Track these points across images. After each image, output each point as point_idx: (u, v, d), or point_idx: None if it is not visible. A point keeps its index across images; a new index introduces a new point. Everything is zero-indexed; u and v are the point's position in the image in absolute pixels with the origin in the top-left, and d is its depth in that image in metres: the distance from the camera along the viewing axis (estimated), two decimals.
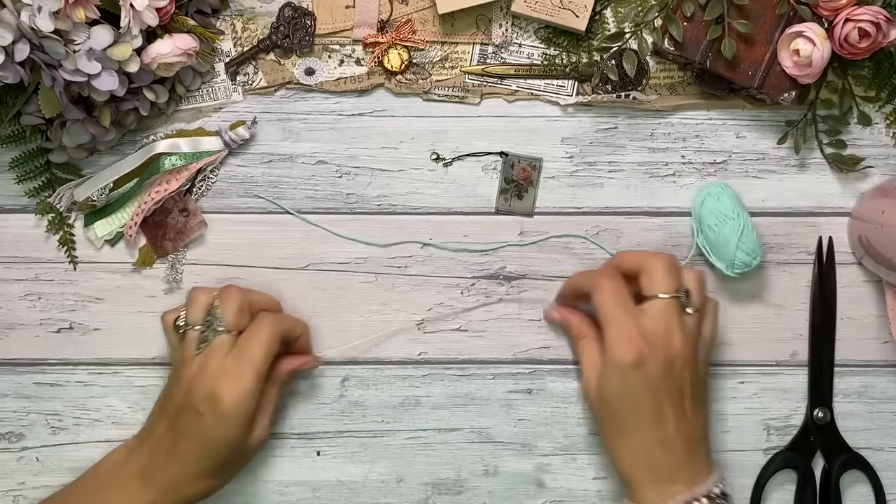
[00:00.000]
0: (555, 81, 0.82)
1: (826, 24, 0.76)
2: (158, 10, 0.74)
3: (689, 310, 0.76)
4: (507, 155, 0.83)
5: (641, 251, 0.82)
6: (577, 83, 0.82)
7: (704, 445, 0.77)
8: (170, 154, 0.80)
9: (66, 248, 0.83)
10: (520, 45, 0.82)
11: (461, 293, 0.84)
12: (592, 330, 0.80)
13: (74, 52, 0.72)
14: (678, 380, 0.74)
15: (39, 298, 0.84)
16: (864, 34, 0.75)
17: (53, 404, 0.84)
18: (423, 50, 0.82)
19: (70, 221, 0.83)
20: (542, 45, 0.82)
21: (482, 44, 0.82)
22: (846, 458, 0.84)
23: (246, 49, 0.81)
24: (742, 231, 0.79)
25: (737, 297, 0.84)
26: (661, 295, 0.75)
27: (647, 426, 0.74)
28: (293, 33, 0.81)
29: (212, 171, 0.82)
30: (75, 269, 0.83)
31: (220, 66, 0.82)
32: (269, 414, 0.79)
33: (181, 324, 0.79)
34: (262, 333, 0.76)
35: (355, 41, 0.82)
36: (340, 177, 0.83)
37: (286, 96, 0.83)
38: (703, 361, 0.77)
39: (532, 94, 0.82)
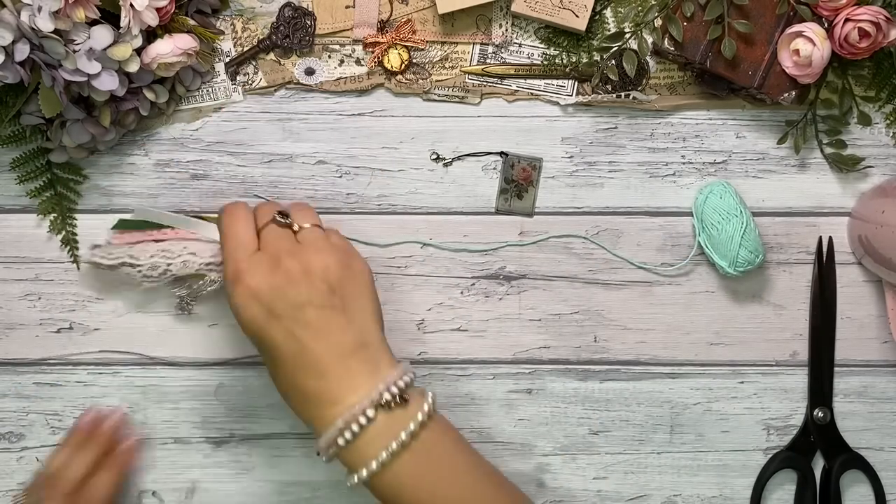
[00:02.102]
0: (555, 81, 0.82)
1: (826, 24, 0.76)
2: (158, 10, 0.74)
3: (295, 225, 0.73)
4: (507, 155, 0.83)
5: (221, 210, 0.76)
6: (577, 83, 0.82)
7: (373, 349, 0.70)
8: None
9: (68, 247, 0.83)
10: (520, 45, 0.82)
11: (461, 293, 0.84)
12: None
13: (74, 52, 0.72)
14: (300, 296, 0.69)
15: (39, 298, 0.84)
16: (864, 34, 0.75)
17: (53, 404, 0.84)
18: (423, 50, 0.82)
19: (74, 221, 0.83)
20: (542, 45, 0.82)
21: (482, 44, 0.82)
22: (846, 458, 0.84)
23: (246, 49, 0.81)
24: (745, 229, 0.80)
25: (737, 297, 0.84)
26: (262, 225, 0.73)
27: (291, 358, 0.69)
28: (293, 33, 0.81)
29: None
30: (78, 268, 0.83)
31: (220, 66, 0.82)
32: None
33: None
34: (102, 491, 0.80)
35: (355, 41, 0.82)
36: (340, 177, 0.83)
37: (286, 96, 0.83)
38: (343, 266, 0.72)
39: (532, 94, 0.82)
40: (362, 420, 0.67)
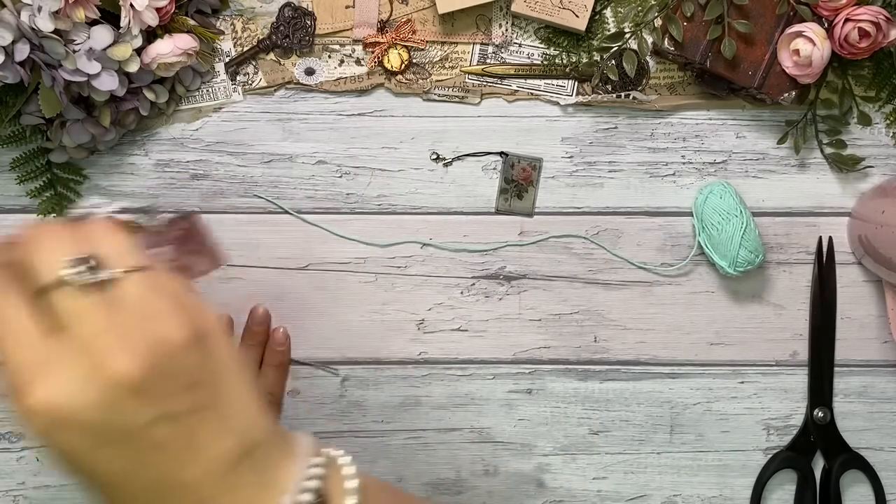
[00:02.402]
0: (555, 81, 0.82)
1: (826, 24, 0.76)
2: (158, 10, 0.74)
3: (102, 274, 0.46)
4: (507, 155, 0.83)
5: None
6: (577, 83, 0.82)
7: (251, 455, 0.48)
8: None
9: None
10: (520, 45, 0.82)
11: (461, 293, 0.84)
12: None
13: (74, 52, 0.72)
14: (128, 407, 0.45)
15: None
16: (864, 34, 0.75)
17: None
18: (423, 50, 0.82)
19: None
20: (542, 45, 0.82)
21: (482, 44, 0.82)
22: (846, 458, 0.84)
23: (246, 49, 0.81)
24: (745, 229, 0.80)
25: (737, 297, 0.84)
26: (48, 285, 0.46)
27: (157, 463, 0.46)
28: (293, 33, 0.81)
29: None
30: None
31: (220, 66, 0.82)
32: None
33: None
34: None
35: (355, 41, 0.82)
36: (340, 177, 0.83)
37: (286, 96, 0.83)
38: (197, 313, 0.48)
39: (532, 94, 0.82)
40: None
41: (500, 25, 0.81)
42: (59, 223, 0.48)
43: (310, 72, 0.82)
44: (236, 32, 0.81)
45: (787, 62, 0.77)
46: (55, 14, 0.69)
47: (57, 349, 0.45)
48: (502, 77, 0.82)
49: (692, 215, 0.83)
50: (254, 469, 0.47)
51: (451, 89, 0.82)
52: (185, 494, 0.46)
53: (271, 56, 0.82)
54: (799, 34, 0.76)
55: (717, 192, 0.81)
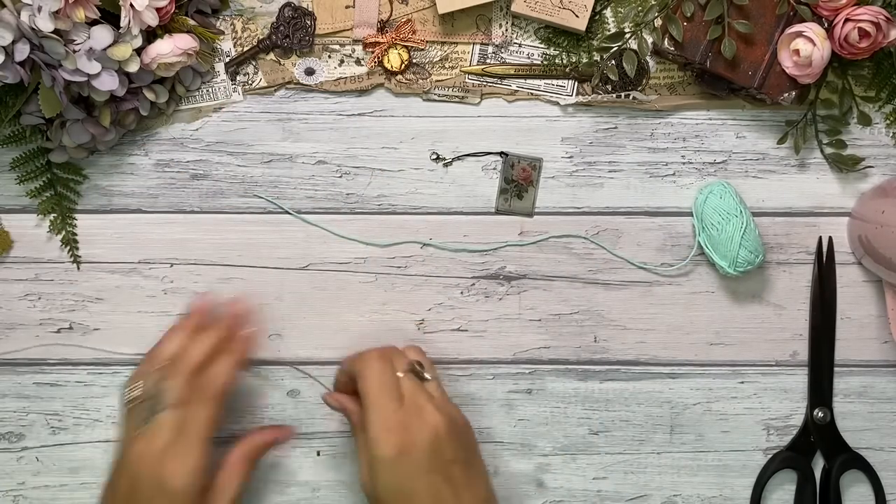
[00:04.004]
0: (555, 81, 0.82)
1: (826, 24, 0.76)
2: (158, 10, 0.74)
3: (427, 376, 0.75)
4: (507, 155, 0.83)
5: (356, 354, 0.77)
6: (577, 83, 0.82)
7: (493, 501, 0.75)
8: None
9: (69, 248, 0.83)
10: (520, 45, 0.82)
11: (461, 293, 0.84)
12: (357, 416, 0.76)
13: (74, 52, 0.72)
14: (447, 452, 0.72)
15: (39, 298, 0.84)
16: (864, 34, 0.75)
17: (53, 404, 0.84)
18: (423, 50, 0.82)
19: (74, 221, 0.83)
20: (542, 45, 0.82)
21: (482, 44, 0.82)
22: (846, 458, 0.84)
23: (246, 49, 0.81)
24: (745, 229, 0.80)
25: (737, 297, 0.84)
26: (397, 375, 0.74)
27: None
28: (293, 33, 0.81)
29: None
30: (78, 268, 0.83)
31: (220, 66, 0.82)
32: (232, 492, 0.75)
33: (127, 398, 0.75)
34: (204, 406, 0.73)
35: (355, 41, 0.82)
36: (340, 177, 0.83)
37: (286, 96, 0.83)
38: (463, 423, 0.75)
39: (532, 94, 0.82)
40: None
41: (500, 25, 0.81)
42: (389, 347, 0.77)
43: (310, 72, 0.82)
44: (236, 32, 0.81)
45: (787, 62, 0.77)
46: (55, 14, 0.69)
47: (406, 411, 0.72)
48: (502, 77, 0.82)
49: (692, 215, 0.83)
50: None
51: (451, 89, 0.82)
52: None
53: (271, 56, 0.82)
54: (799, 34, 0.76)
55: (717, 192, 0.81)
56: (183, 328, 0.78)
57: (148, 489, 0.71)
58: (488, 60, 0.82)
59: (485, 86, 0.82)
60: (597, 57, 0.81)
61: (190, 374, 0.74)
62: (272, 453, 0.83)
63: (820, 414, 0.84)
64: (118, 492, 0.72)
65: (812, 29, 0.75)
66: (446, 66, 0.82)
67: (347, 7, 0.81)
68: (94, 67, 0.72)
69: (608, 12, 0.81)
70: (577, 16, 0.79)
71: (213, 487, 0.74)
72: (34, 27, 0.69)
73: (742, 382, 0.85)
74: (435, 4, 0.79)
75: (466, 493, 0.71)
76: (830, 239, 0.84)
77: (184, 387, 0.73)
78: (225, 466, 0.76)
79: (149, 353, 0.77)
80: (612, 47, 0.80)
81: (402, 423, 0.71)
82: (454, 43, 0.82)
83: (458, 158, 0.83)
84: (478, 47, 0.82)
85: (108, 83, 0.73)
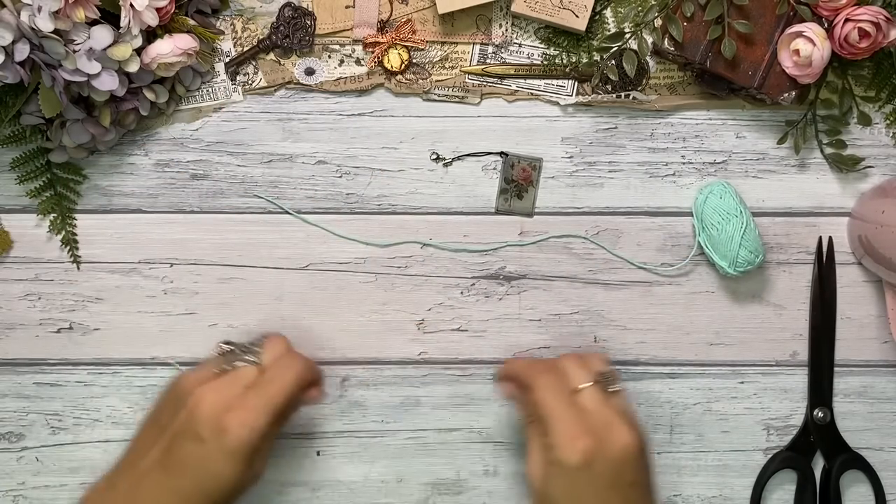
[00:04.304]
0: (555, 81, 0.82)
1: (826, 24, 0.76)
2: (158, 10, 0.74)
3: (611, 388, 0.74)
4: (507, 155, 0.83)
5: (525, 363, 0.78)
6: (577, 83, 0.82)
7: None
8: None
9: (69, 248, 0.83)
10: (520, 45, 0.82)
11: (461, 293, 0.84)
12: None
13: (74, 52, 0.72)
14: (630, 473, 0.70)
15: (39, 298, 0.84)
16: (864, 34, 0.75)
17: (53, 404, 0.84)
18: (423, 50, 0.82)
19: (74, 221, 0.83)
20: (542, 45, 0.82)
21: (482, 44, 0.82)
22: (846, 458, 0.84)
23: (246, 49, 0.81)
24: (745, 229, 0.80)
25: (737, 297, 0.84)
26: (585, 385, 0.73)
27: None
28: (293, 33, 0.81)
29: None
30: (78, 268, 0.83)
31: (220, 66, 0.82)
32: (268, 450, 0.74)
33: (219, 348, 0.76)
34: (291, 376, 0.73)
35: (355, 41, 0.82)
36: (340, 177, 0.83)
37: (286, 96, 0.83)
38: (647, 444, 0.73)
39: (532, 94, 0.82)
40: None
41: (500, 25, 0.81)
42: (574, 354, 0.77)
43: (310, 72, 0.82)
44: (236, 32, 0.81)
45: (787, 62, 0.77)
46: (55, 14, 0.69)
47: (585, 423, 0.70)
48: (502, 77, 0.82)
49: (692, 215, 0.83)
50: None
51: (451, 89, 0.82)
52: None
53: (271, 56, 0.82)
54: (799, 34, 0.76)
55: (717, 192, 0.81)
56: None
57: (206, 428, 0.69)
58: (488, 60, 0.82)
59: (485, 86, 0.82)
60: (597, 57, 0.81)
61: (285, 349, 0.75)
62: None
63: (820, 414, 0.84)
64: (172, 419, 0.71)
65: (812, 29, 0.75)
66: (446, 66, 0.82)
67: (347, 7, 0.81)
68: (94, 67, 0.72)
69: (608, 12, 0.81)
70: (577, 16, 0.79)
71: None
72: (34, 27, 0.69)
73: (742, 382, 0.85)
74: (435, 4, 0.79)
75: None
76: (830, 239, 0.84)
77: (276, 355, 0.74)
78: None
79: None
80: (612, 47, 0.80)
81: (590, 433, 0.69)
82: (454, 43, 0.82)
83: (458, 158, 0.83)
84: (478, 47, 0.82)
85: (108, 83, 0.73)
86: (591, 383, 0.73)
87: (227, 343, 0.77)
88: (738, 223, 0.80)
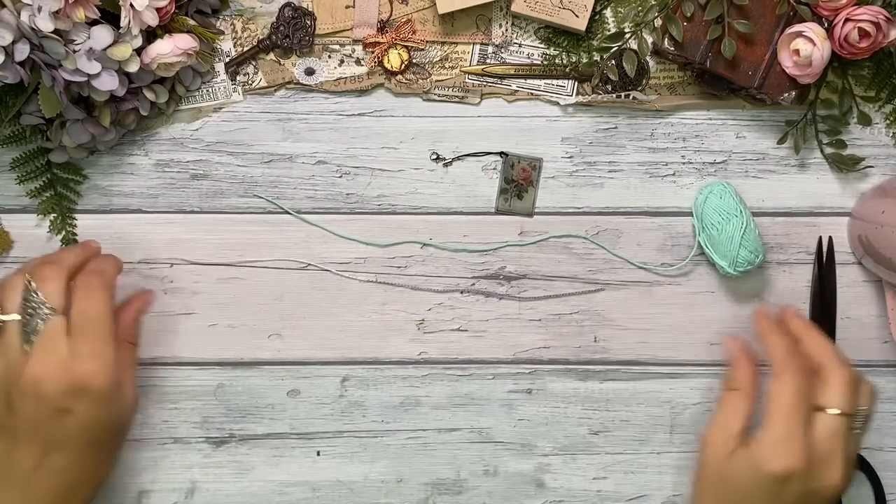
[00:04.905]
0: (555, 81, 0.82)
1: (826, 24, 0.76)
2: (158, 10, 0.74)
3: (859, 430, 0.71)
4: (507, 155, 0.83)
5: (831, 347, 0.74)
6: (577, 83, 0.82)
7: None
8: None
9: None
10: (520, 45, 0.82)
11: (461, 293, 0.84)
12: (752, 388, 0.73)
13: (74, 52, 0.72)
14: None
15: None
16: (864, 34, 0.75)
17: None
18: (423, 50, 0.82)
19: (74, 221, 0.83)
20: (542, 45, 0.82)
21: (482, 44, 0.82)
22: None
23: (246, 49, 0.81)
24: (745, 228, 0.80)
25: (737, 297, 0.84)
26: (834, 411, 0.69)
27: None
28: (293, 33, 0.81)
29: None
30: None
31: (220, 66, 0.82)
32: (131, 374, 0.72)
33: None
34: (96, 300, 0.69)
35: (355, 41, 0.82)
36: (340, 177, 0.83)
37: (286, 96, 0.83)
38: (846, 489, 0.71)
39: (532, 94, 0.82)
40: None
41: (500, 25, 0.81)
42: (849, 370, 0.71)
43: (310, 72, 0.82)
44: (236, 32, 0.81)
45: (787, 62, 0.77)
46: (55, 14, 0.69)
47: (807, 445, 0.67)
48: (502, 77, 0.82)
49: (692, 215, 0.83)
50: None
51: (451, 89, 0.82)
52: None
53: (271, 56, 0.82)
54: (799, 34, 0.76)
55: (717, 191, 0.81)
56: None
57: (65, 399, 0.66)
58: (488, 60, 0.82)
59: (485, 86, 0.82)
60: (597, 57, 0.81)
61: (65, 275, 0.69)
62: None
63: None
64: (19, 416, 0.67)
65: (812, 29, 0.75)
66: (446, 66, 0.82)
67: (347, 7, 0.81)
68: (94, 67, 0.72)
69: (608, 12, 0.81)
70: (577, 16, 0.79)
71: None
72: (34, 27, 0.69)
73: None
74: (435, 4, 0.79)
75: None
76: (830, 239, 0.84)
77: (62, 291, 0.68)
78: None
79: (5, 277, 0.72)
80: (612, 47, 0.80)
81: (806, 458, 0.67)
82: (454, 43, 0.82)
83: (458, 158, 0.83)
84: (478, 47, 0.82)
85: (108, 83, 0.73)
86: (839, 412, 0.69)
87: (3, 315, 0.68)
88: (738, 223, 0.80)
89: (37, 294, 0.68)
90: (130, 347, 0.75)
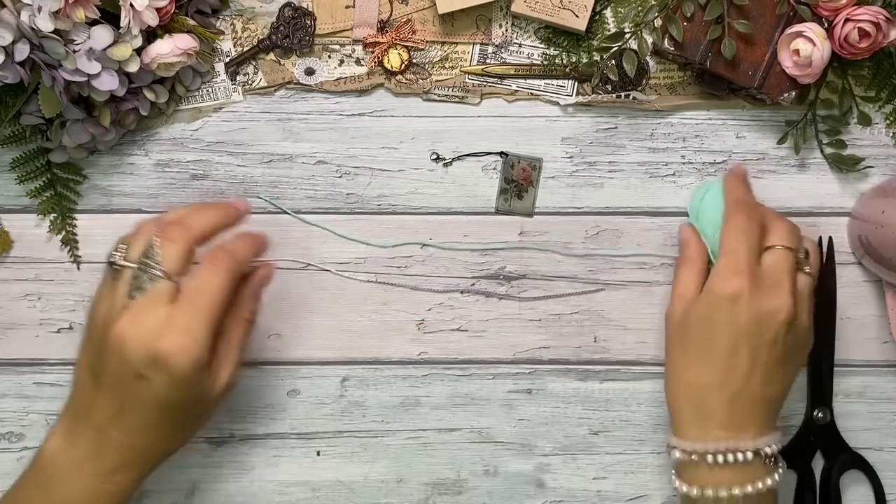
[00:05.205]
0: (555, 81, 0.82)
1: (826, 24, 0.76)
2: (158, 10, 0.74)
3: (806, 268, 0.75)
4: (507, 155, 0.83)
5: (772, 210, 0.78)
6: (577, 83, 0.82)
7: (770, 409, 0.74)
8: None
9: (69, 248, 0.83)
10: (520, 45, 0.82)
11: (461, 293, 0.84)
12: (703, 262, 0.76)
13: (74, 52, 0.72)
14: (772, 332, 0.71)
15: (39, 298, 0.84)
16: (864, 34, 0.75)
17: (53, 404, 0.84)
18: (423, 50, 0.82)
19: (74, 221, 0.83)
20: (542, 45, 0.82)
21: (482, 44, 0.82)
22: (846, 458, 0.84)
23: (246, 49, 0.81)
24: None
25: None
26: (779, 245, 0.73)
27: (713, 362, 0.72)
28: (293, 33, 0.81)
29: None
30: (78, 268, 0.83)
31: (220, 66, 0.82)
32: (234, 355, 0.69)
33: (115, 259, 0.66)
34: (214, 280, 0.66)
35: (355, 41, 0.82)
36: (340, 177, 0.83)
37: (286, 96, 0.83)
38: (806, 334, 0.75)
39: (532, 94, 0.82)
40: (743, 455, 0.71)
41: (500, 25, 0.81)
42: (792, 223, 0.76)
43: (310, 72, 0.82)
44: (236, 32, 0.81)
45: (787, 62, 0.77)
46: (55, 14, 0.69)
47: (754, 271, 0.71)
48: (502, 77, 0.82)
49: (687, 215, 0.83)
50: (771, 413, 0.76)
51: (451, 89, 0.82)
52: (769, 381, 0.74)
53: (271, 56, 0.82)
54: (799, 34, 0.76)
55: (715, 189, 0.81)
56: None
57: (143, 366, 0.64)
58: (488, 60, 0.82)
59: (485, 86, 0.82)
60: (597, 57, 0.81)
61: (192, 241, 0.67)
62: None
63: (820, 414, 0.84)
64: (104, 365, 0.66)
65: (812, 29, 0.75)
66: (446, 66, 0.82)
67: (347, 7, 0.81)
68: (94, 67, 0.72)
69: (608, 12, 0.81)
70: (577, 16, 0.79)
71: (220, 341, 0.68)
72: (34, 27, 0.69)
73: None
74: (435, 4, 0.79)
75: (756, 378, 0.71)
76: (830, 239, 0.84)
77: (180, 259, 0.66)
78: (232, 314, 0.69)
79: (139, 222, 0.69)
80: (612, 47, 0.80)
81: (753, 279, 0.71)
82: (454, 43, 0.82)
83: (458, 158, 0.83)
84: (478, 47, 0.82)
85: (108, 83, 0.73)
86: (783, 246, 0.73)
87: (114, 264, 0.67)
88: None
89: (156, 253, 0.66)
90: (244, 324, 0.71)
